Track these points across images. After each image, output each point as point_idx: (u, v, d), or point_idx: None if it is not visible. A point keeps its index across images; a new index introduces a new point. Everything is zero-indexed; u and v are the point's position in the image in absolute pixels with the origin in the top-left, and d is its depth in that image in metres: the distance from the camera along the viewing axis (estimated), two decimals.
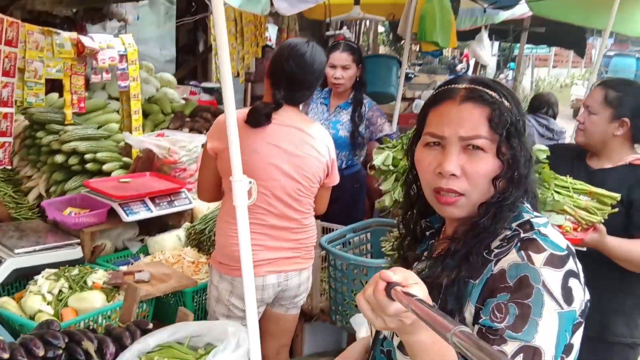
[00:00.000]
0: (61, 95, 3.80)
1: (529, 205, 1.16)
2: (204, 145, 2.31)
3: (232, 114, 1.53)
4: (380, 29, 12.08)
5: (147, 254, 3.24)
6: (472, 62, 17.49)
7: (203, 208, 3.55)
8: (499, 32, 7.19)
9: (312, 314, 3.03)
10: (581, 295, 1.04)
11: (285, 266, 2.32)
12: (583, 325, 1.07)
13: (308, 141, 2.27)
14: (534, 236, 1.06)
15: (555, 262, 1.02)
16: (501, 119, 1.09)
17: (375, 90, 4.43)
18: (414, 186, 1.28)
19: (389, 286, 0.87)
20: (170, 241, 3.29)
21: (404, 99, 4.85)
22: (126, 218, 3.06)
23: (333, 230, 3.07)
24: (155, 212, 3.19)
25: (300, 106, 2.38)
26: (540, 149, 2.30)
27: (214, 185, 2.35)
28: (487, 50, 5.77)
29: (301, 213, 2.33)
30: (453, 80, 1.20)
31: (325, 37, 7.43)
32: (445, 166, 1.09)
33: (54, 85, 4.10)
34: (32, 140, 3.67)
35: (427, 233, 1.33)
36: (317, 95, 3.48)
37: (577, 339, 1.06)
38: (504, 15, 5.95)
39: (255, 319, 1.77)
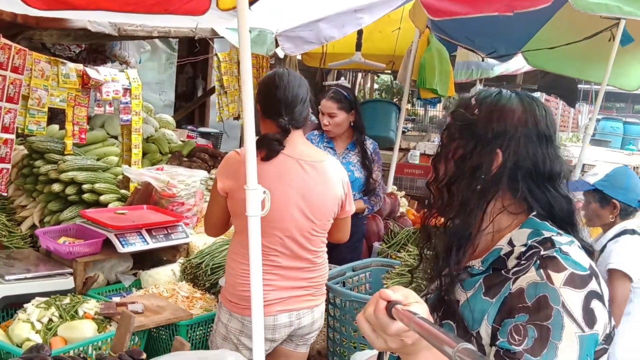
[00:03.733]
0: (62, 128, 3.80)
1: (552, 223, 1.11)
2: (214, 182, 2.25)
3: (251, 130, 1.51)
4: (375, 85, 12.35)
5: (140, 288, 3.15)
6: None
7: (199, 243, 3.49)
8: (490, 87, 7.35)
9: (309, 355, 2.93)
10: (605, 318, 0.98)
11: (296, 304, 2.23)
12: (608, 352, 1.02)
13: (322, 178, 2.22)
14: (555, 254, 1.01)
15: (576, 282, 0.97)
16: (459, 115, 1.17)
17: (374, 134, 4.46)
18: None
19: (390, 305, 0.85)
20: (164, 275, 3.21)
21: (400, 149, 4.89)
22: (122, 249, 2.99)
23: (330, 269, 3.02)
24: (152, 244, 3.13)
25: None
26: None
27: (222, 222, 2.29)
28: None
29: (313, 253, 2.27)
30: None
31: (323, 86, 7.58)
32: None
33: (54, 118, 4.10)
34: (29, 169, 3.63)
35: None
36: (318, 139, 3.51)
37: None
38: (499, 70, 6.12)
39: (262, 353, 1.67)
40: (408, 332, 0.85)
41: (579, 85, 8.06)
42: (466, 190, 1.12)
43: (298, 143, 2.23)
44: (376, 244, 3.86)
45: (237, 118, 5.10)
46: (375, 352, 2.50)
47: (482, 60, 5.21)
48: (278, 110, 2.21)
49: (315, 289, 2.32)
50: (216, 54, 4.69)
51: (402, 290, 0.89)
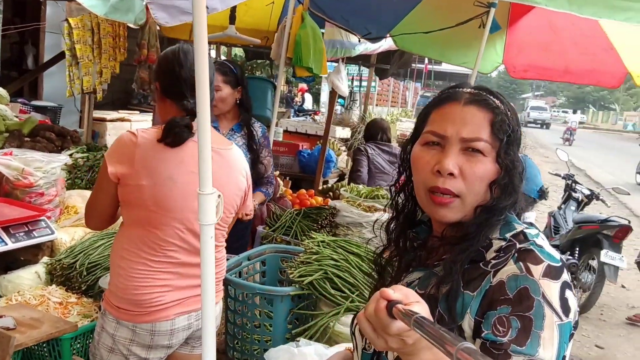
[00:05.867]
0: None
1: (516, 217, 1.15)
2: (101, 166, 1.94)
3: (206, 119, 1.29)
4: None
5: None
6: (307, 96, 18.28)
7: (66, 239, 3.06)
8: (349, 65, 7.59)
9: None
10: (575, 306, 1.03)
11: (195, 304, 2.02)
12: (573, 336, 1.07)
13: (227, 167, 2.06)
14: (531, 247, 1.05)
15: (552, 273, 1.01)
16: (503, 125, 1.09)
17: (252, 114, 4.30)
18: (402, 192, 1.26)
19: (390, 304, 0.84)
20: (27, 279, 2.77)
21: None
22: None
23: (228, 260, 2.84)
24: (11, 244, 2.66)
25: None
26: None
27: (110, 213, 2.00)
28: (344, 82, 5.98)
29: (215, 247, 2.10)
30: (457, 85, 1.20)
31: None
32: (445, 164, 1.08)
33: None
34: None
35: (415, 244, 1.26)
36: None
37: (569, 350, 1.05)
38: (360, 49, 6.26)
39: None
40: (409, 332, 0.84)
41: (412, 65, 8.66)
42: (513, 201, 1.12)
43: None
44: (260, 228, 3.74)
45: (94, 92, 4.54)
46: (286, 346, 2.42)
47: (359, 42, 5.26)
48: (181, 91, 1.99)
49: (215, 285, 2.15)
50: (67, 19, 4.09)
51: (402, 290, 0.88)
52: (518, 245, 1.05)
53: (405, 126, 16.54)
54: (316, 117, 13.41)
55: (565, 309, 1.00)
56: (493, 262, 1.06)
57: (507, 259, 1.04)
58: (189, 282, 1.98)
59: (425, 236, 1.26)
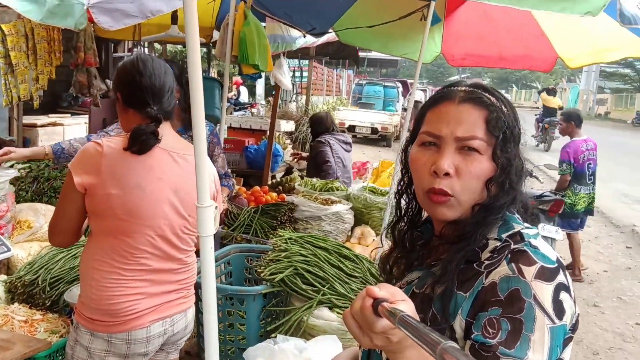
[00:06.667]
0: None
1: (519, 217, 1.13)
2: (67, 179, 1.91)
3: (202, 128, 1.30)
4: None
5: None
6: (242, 89, 18.09)
7: (22, 255, 2.96)
8: (289, 58, 7.61)
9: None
10: (572, 308, 1.01)
11: (169, 310, 2.04)
12: (573, 339, 1.06)
13: (193, 170, 2.07)
14: (525, 248, 1.03)
15: (546, 275, 0.99)
16: (498, 122, 1.08)
17: None
18: (405, 193, 1.25)
19: (376, 302, 0.85)
20: None
21: None
22: None
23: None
24: None
25: None
26: None
27: (77, 226, 1.97)
28: (287, 75, 6.02)
29: (185, 252, 2.10)
30: (452, 84, 1.20)
31: (114, 58, 6.89)
32: (440, 164, 1.07)
33: None
34: None
35: (417, 244, 1.25)
36: None
37: (567, 354, 1.04)
38: (300, 42, 6.30)
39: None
40: (394, 330, 0.84)
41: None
42: (512, 199, 1.10)
43: (168, 135, 2.04)
44: (219, 228, 3.75)
45: (30, 100, 4.36)
46: (264, 344, 2.47)
47: (304, 37, 5.29)
48: (144, 99, 1.99)
49: (186, 290, 2.16)
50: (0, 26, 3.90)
51: (388, 288, 0.88)
52: (512, 246, 1.04)
53: (343, 115, 16.75)
54: (253, 110, 13.34)
55: (559, 311, 0.98)
56: (486, 262, 1.05)
57: (500, 259, 1.03)
58: (162, 289, 1.99)
59: (429, 235, 1.26)
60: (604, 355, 4.54)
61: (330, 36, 6.47)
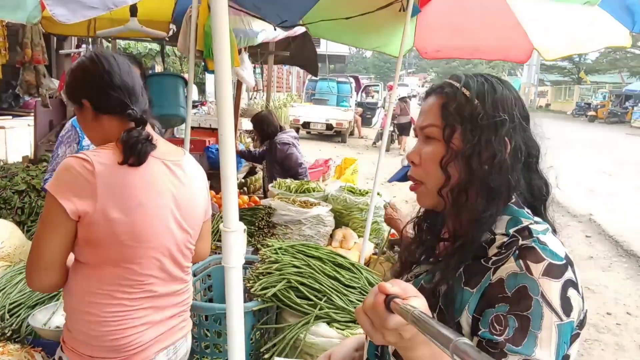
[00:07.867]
0: None
1: (528, 210, 1.11)
2: (48, 206, 1.57)
3: (230, 135, 1.05)
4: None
5: None
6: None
7: None
8: (250, 54, 7.30)
9: None
10: (579, 305, 1.01)
11: (172, 337, 1.83)
12: (580, 335, 1.05)
13: (189, 179, 1.83)
14: (533, 244, 1.02)
15: (554, 272, 0.99)
16: (457, 108, 1.10)
17: (163, 113, 3.96)
18: None
19: (388, 298, 0.84)
20: None
21: None
22: None
23: None
24: None
25: None
26: None
27: (63, 261, 1.62)
28: (249, 72, 5.77)
29: (186, 269, 1.89)
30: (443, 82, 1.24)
31: (58, 56, 6.39)
32: (408, 155, 1.17)
33: None
34: None
35: (428, 237, 1.28)
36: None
37: (574, 350, 1.04)
38: (261, 38, 6.03)
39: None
40: (406, 326, 0.84)
41: None
42: (486, 187, 1.08)
43: (156, 140, 1.77)
44: None
45: None
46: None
47: (275, 29, 5.02)
48: (120, 100, 1.70)
49: (185, 312, 1.96)
50: None
51: (401, 284, 0.88)
52: (520, 242, 1.03)
53: (297, 111, 16.54)
54: (204, 108, 12.92)
55: (567, 308, 0.97)
56: (494, 258, 1.04)
57: (507, 255, 1.02)
58: (165, 314, 1.79)
59: (439, 227, 1.27)
60: (581, 348, 4.54)
61: (290, 32, 6.25)
